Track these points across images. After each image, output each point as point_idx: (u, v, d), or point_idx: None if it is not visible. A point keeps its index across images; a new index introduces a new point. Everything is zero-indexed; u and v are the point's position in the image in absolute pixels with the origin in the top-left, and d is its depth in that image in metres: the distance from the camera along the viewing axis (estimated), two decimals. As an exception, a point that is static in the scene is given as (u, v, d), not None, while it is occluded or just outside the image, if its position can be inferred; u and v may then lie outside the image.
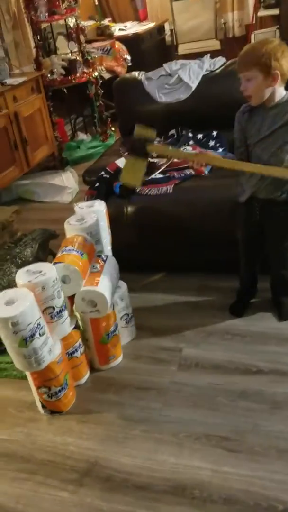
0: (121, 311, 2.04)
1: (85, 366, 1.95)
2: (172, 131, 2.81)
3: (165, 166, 2.52)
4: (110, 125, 4.46)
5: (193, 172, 2.44)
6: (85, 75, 4.12)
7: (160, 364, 1.96)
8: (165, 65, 2.92)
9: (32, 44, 4.04)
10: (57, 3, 3.86)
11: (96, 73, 4.26)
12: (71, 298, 1.82)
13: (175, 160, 2.55)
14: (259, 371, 1.84)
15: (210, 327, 2.11)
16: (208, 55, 2.89)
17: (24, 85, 3.56)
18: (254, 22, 5.34)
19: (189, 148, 2.62)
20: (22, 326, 1.54)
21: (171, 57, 5.26)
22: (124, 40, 4.93)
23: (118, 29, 5.24)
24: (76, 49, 4.24)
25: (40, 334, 1.60)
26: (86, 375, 1.96)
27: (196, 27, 5.43)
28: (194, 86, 2.73)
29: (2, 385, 2.00)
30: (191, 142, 2.68)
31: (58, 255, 1.84)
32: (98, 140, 4.47)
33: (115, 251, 2.10)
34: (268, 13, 5.27)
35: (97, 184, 2.48)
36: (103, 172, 2.52)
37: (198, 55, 2.99)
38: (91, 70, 4.19)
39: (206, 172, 2.44)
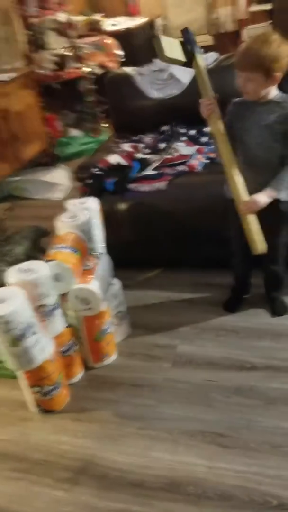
0: (115, 308, 2.03)
1: (79, 364, 1.94)
2: (165, 127, 2.79)
3: (158, 162, 2.51)
4: (102, 121, 4.43)
5: (186, 169, 2.43)
6: (76, 70, 4.09)
7: (155, 361, 1.96)
8: (157, 60, 2.90)
9: (23, 40, 4.00)
10: (48, -2, 3.83)
11: (87, 69, 4.22)
12: (64, 296, 1.81)
13: (168, 156, 2.54)
14: (253, 367, 1.84)
15: (205, 324, 2.10)
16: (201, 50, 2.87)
17: (15, 80, 3.53)
18: (246, 17, 5.32)
19: (182, 144, 2.61)
20: (13, 325, 1.52)
21: (163, 52, 5.22)
22: (116, 35, 4.89)
23: (109, 24, 5.20)
24: (67, 45, 4.21)
25: (32, 333, 1.59)
26: (80, 373, 1.95)
27: (188, 22, 5.38)
28: (186, 81, 2.72)
29: (-5, 384, 1.99)
30: (184, 138, 2.67)
31: (51, 252, 1.82)
32: (90, 136, 4.44)
33: (108, 248, 2.09)
34: (261, 8, 5.26)
35: (89, 181, 2.47)
36: (95, 169, 2.50)
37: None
38: (82, 65, 4.16)
39: (199, 168, 2.44)
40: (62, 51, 4.20)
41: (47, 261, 1.74)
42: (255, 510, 1.37)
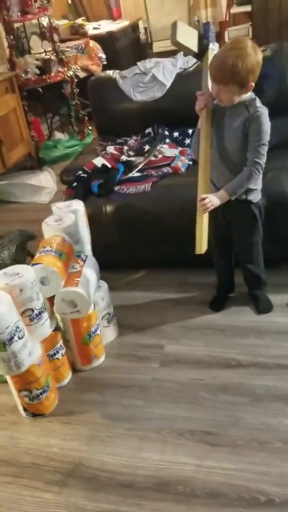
0: (103, 310, 2.04)
1: (67, 368, 1.94)
2: (149, 130, 2.81)
3: (142, 164, 2.52)
4: (87, 124, 4.44)
5: (170, 170, 2.45)
6: (60, 74, 4.09)
7: (142, 361, 1.97)
8: (139, 63, 2.92)
9: (5, 44, 3.99)
10: (29, 2, 3.82)
11: (71, 72, 4.23)
12: (51, 299, 1.81)
13: (152, 158, 2.56)
14: (238, 364, 1.87)
15: (191, 323, 2.12)
16: (181, 53, 2.89)
17: (-2, 85, 3.52)
18: (227, 19, 5.37)
19: (165, 147, 2.63)
20: (0, 330, 1.52)
21: (145, 55, 5.25)
22: (98, 38, 4.91)
23: (92, 28, 5.21)
24: (50, 49, 4.20)
25: (19, 337, 1.59)
26: (68, 376, 1.95)
27: (170, 25, 5.42)
28: (168, 84, 2.74)
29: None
30: (167, 140, 2.69)
31: (36, 256, 1.82)
32: (75, 139, 4.44)
33: (95, 251, 2.09)
34: (241, 10, 5.32)
35: (75, 184, 2.47)
36: (80, 172, 2.51)
37: (172, 53, 2.99)
38: (65, 69, 4.17)
39: (183, 169, 2.46)
40: (45, 55, 4.21)
41: (33, 264, 1.74)
42: (244, 507, 1.39)
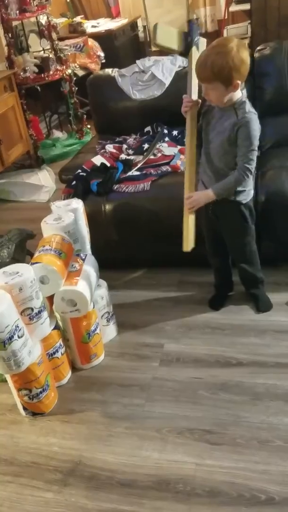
0: (102, 309, 2.03)
1: (67, 366, 1.94)
2: (148, 128, 2.80)
3: (141, 163, 2.52)
4: (86, 123, 4.43)
5: (169, 169, 2.45)
6: (58, 72, 4.08)
7: (142, 360, 1.97)
8: (138, 61, 2.91)
9: (4, 42, 3.97)
10: (28, 0, 3.80)
11: (69, 70, 4.22)
12: (50, 298, 1.81)
13: (151, 157, 2.55)
14: (239, 363, 1.87)
15: (191, 322, 2.12)
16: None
17: (-4, 83, 3.51)
18: (226, 17, 5.36)
19: (165, 145, 2.63)
20: (0, 329, 1.52)
21: (144, 53, 5.24)
22: (97, 37, 4.90)
23: (90, 26, 5.20)
24: (48, 47, 4.20)
25: (18, 336, 1.59)
26: (67, 375, 1.95)
27: (168, 23, 5.40)
28: (167, 82, 2.74)
29: (-18, 388, 1.98)
30: (166, 139, 2.68)
31: (36, 255, 1.82)
32: (74, 137, 4.43)
33: (94, 250, 2.09)
34: (240, 8, 5.30)
35: (74, 182, 2.47)
36: (79, 170, 2.50)
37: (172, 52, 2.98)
38: (64, 67, 4.16)
39: (182, 168, 2.45)
40: (43, 53, 4.19)
41: (32, 263, 1.74)
42: (244, 505, 1.39)
